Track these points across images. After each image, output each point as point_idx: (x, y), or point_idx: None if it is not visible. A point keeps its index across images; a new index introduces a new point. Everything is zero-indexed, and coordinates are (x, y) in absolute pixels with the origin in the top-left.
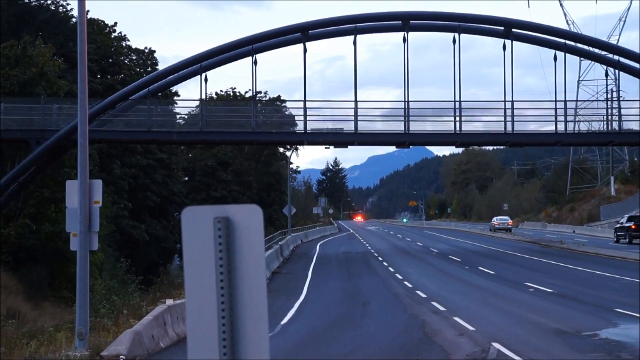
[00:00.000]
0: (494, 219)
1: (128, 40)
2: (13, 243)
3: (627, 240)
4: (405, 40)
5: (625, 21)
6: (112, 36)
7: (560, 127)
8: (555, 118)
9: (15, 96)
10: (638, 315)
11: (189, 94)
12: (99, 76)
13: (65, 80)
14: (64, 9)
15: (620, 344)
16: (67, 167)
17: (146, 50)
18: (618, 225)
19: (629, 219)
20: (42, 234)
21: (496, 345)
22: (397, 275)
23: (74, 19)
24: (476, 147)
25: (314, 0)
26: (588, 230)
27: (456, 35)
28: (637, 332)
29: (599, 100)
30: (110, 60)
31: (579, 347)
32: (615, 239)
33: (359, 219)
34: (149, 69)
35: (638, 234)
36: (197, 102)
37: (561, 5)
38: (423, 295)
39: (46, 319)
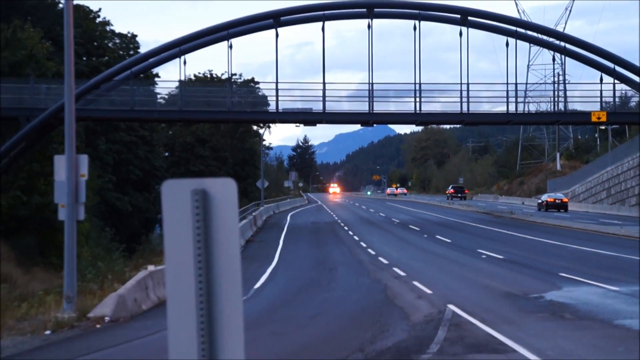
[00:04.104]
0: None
1: (112, 25)
2: (5, 213)
3: (543, 209)
4: (369, 26)
5: (571, 11)
6: (97, 21)
7: (512, 107)
8: (507, 99)
9: (5, 77)
10: (580, 279)
11: (168, 76)
12: (84, 58)
13: (53, 62)
14: None
15: (563, 305)
16: (55, 143)
17: (129, 35)
18: (539, 201)
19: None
20: (32, 205)
21: (451, 306)
22: (362, 243)
23: (60, 5)
24: (434, 125)
25: None
26: (536, 202)
27: (417, 22)
28: (579, 294)
29: (547, 83)
30: (95, 43)
31: (526, 308)
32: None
33: (334, 190)
34: (131, 52)
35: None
36: (177, 83)
37: None
38: (385, 261)
39: (36, 284)
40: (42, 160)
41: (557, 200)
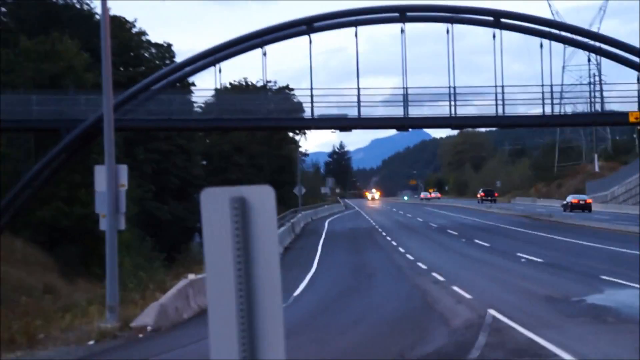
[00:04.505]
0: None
1: (147, 35)
2: (48, 224)
3: (568, 210)
4: (402, 31)
5: (605, 11)
6: (133, 31)
7: (547, 109)
8: (543, 101)
9: (45, 89)
10: (621, 281)
11: (204, 84)
12: (121, 69)
13: (91, 73)
14: (88, 7)
15: (605, 309)
16: (95, 153)
17: (164, 44)
18: (564, 202)
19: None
20: (74, 216)
21: (491, 311)
22: (400, 248)
23: (97, 16)
24: (470, 129)
25: None
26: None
27: (449, 25)
28: (620, 297)
29: (583, 84)
30: (132, 53)
31: (567, 312)
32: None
33: (373, 195)
34: (167, 62)
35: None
36: (213, 92)
37: None
38: (424, 266)
39: (79, 294)
40: (83, 171)
41: (581, 201)
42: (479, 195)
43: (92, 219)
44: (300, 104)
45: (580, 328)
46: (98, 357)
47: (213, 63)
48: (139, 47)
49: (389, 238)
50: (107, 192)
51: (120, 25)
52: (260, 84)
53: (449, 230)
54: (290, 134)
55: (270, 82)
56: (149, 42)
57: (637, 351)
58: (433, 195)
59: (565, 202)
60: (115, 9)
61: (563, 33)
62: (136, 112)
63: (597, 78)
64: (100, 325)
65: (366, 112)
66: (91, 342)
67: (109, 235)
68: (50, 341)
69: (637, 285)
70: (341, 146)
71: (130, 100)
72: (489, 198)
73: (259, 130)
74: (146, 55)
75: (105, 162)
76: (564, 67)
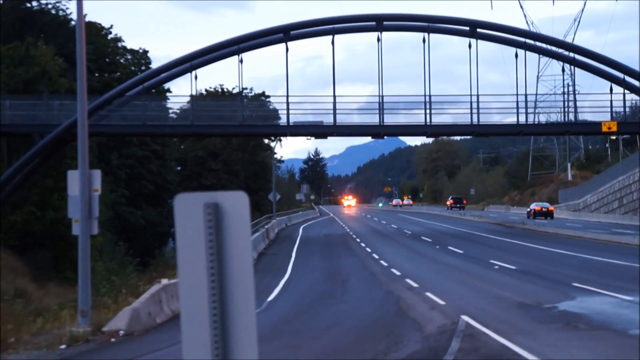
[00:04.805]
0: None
1: (123, 41)
2: (19, 229)
3: (532, 217)
4: (379, 39)
5: (579, 22)
6: (109, 37)
7: (522, 118)
8: (517, 110)
9: (19, 93)
10: (593, 288)
11: (180, 91)
12: (96, 74)
13: (65, 78)
14: (64, 13)
15: (577, 315)
16: (69, 158)
17: (140, 51)
18: (528, 209)
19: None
20: (46, 220)
21: (465, 317)
22: (374, 255)
23: (72, 22)
24: (445, 137)
25: (295, 0)
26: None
27: (426, 35)
28: (592, 304)
29: (557, 94)
30: (107, 59)
31: (540, 318)
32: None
33: (349, 203)
34: (143, 68)
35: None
36: (188, 98)
37: (521, 6)
38: (398, 273)
39: (51, 298)
40: (56, 176)
41: (543, 209)
42: (448, 203)
43: (64, 224)
44: (276, 111)
45: (552, 334)
46: None
47: (189, 70)
48: (115, 53)
49: (363, 244)
50: (80, 197)
51: (96, 31)
52: (236, 90)
53: (423, 237)
54: (266, 141)
55: (246, 89)
56: (124, 48)
57: (608, 357)
58: (405, 202)
59: (528, 210)
60: (91, 15)
61: (538, 43)
62: (111, 118)
63: (571, 88)
64: (72, 329)
65: (342, 119)
66: (63, 347)
67: (82, 240)
68: (21, 345)
69: (609, 293)
70: (316, 153)
71: (105, 106)
72: (458, 205)
73: (234, 136)
74: (122, 61)
75: (78, 167)
76: (538, 77)
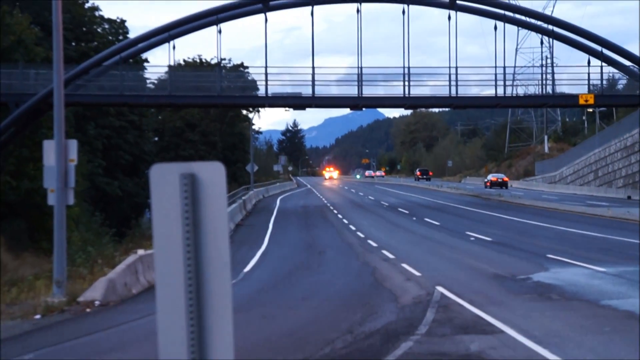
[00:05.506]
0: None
1: (100, 10)
2: None
3: (489, 188)
4: (358, 10)
5: None
6: (86, 7)
7: (500, 90)
8: (495, 82)
9: None
10: (567, 260)
11: (157, 61)
12: (73, 44)
13: (42, 47)
14: None
15: (550, 286)
16: (45, 128)
17: (118, 20)
18: (485, 180)
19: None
20: (21, 190)
21: (440, 288)
22: (351, 226)
23: None
24: (423, 109)
25: None
26: (524, 184)
27: (405, 6)
28: (565, 275)
29: (535, 67)
30: (84, 29)
31: (514, 289)
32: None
33: (331, 174)
34: (120, 38)
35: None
36: (166, 68)
37: None
38: (374, 244)
39: (26, 269)
40: (32, 146)
41: (499, 179)
42: (417, 174)
43: (40, 194)
44: (254, 81)
45: (525, 305)
46: (44, 331)
47: (167, 40)
48: (92, 22)
49: (340, 216)
50: (56, 167)
51: (72, 0)
52: (214, 61)
53: (400, 209)
54: (244, 112)
55: (224, 59)
56: (102, 17)
57: (580, 327)
58: (377, 173)
59: (485, 180)
60: None
61: (517, 16)
62: (87, 88)
63: (549, 60)
64: (47, 299)
65: (320, 91)
66: (37, 316)
67: (57, 210)
68: None
69: (582, 264)
70: (295, 124)
71: (82, 76)
72: (424, 177)
73: (212, 107)
74: (99, 30)
75: (54, 137)
76: (517, 50)
